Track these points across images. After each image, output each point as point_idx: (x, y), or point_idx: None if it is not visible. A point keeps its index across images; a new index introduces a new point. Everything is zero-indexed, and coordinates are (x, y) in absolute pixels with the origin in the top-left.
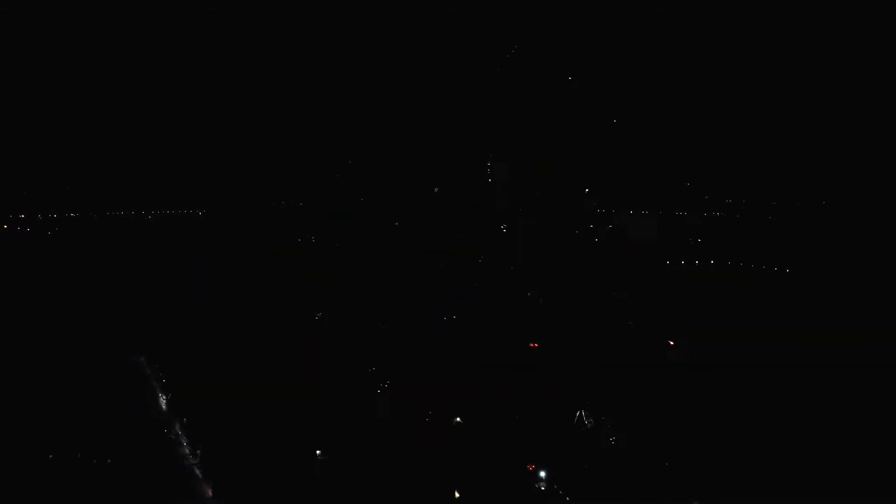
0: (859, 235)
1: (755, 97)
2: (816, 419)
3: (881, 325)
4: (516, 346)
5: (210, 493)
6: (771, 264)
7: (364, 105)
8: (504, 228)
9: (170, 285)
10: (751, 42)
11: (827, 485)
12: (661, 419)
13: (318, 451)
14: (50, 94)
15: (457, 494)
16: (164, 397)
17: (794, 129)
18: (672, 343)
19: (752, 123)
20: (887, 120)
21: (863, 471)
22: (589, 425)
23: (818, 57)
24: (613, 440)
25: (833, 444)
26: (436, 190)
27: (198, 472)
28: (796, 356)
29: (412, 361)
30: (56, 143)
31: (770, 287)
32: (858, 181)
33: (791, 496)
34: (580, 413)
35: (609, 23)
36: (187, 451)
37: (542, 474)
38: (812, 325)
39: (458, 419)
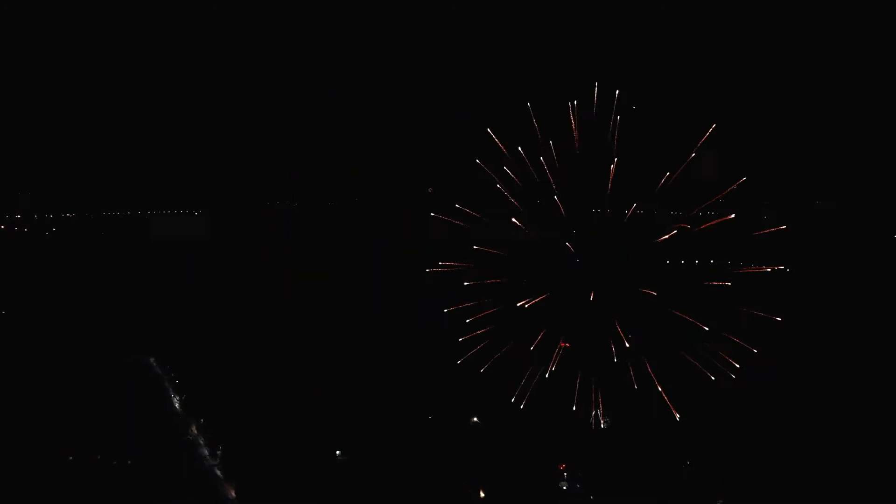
0: (859, 235)
1: (755, 98)
2: (831, 419)
3: (881, 324)
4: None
5: (233, 493)
6: (771, 264)
7: (364, 105)
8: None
9: (173, 285)
10: (755, 46)
11: (841, 483)
12: (682, 418)
13: (337, 452)
14: (50, 95)
15: (482, 494)
16: (178, 398)
17: (795, 129)
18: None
19: (755, 125)
20: (887, 120)
21: (866, 470)
22: (605, 425)
23: (819, 58)
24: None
25: (843, 444)
26: (430, 190)
27: (218, 472)
28: (802, 355)
29: (424, 361)
30: (57, 144)
31: (770, 287)
32: (858, 181)
33: (810, 496)
34: (595, 412)
35: (611, 24)
36: (206, 451)
37: (565, 473)
38: (812, 324)
39: (476, 419)
